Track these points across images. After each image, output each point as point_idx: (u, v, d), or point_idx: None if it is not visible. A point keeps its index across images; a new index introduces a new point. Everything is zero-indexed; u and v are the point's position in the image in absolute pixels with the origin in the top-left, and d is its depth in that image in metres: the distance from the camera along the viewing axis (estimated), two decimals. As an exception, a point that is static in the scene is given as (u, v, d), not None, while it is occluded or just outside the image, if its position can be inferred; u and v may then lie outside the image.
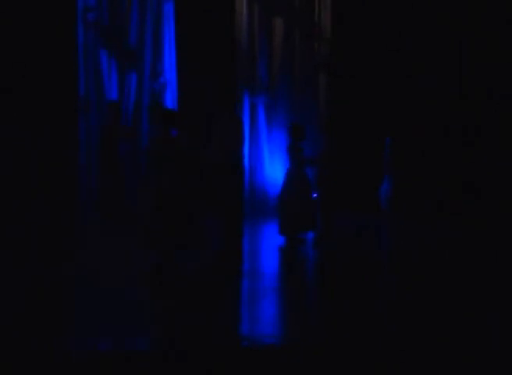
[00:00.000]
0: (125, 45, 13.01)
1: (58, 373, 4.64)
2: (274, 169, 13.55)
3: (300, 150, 10.41)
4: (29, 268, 8.67)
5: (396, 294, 7.32)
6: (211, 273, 8.01)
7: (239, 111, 13.13)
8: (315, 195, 10.44)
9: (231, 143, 8.57)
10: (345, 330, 5.67)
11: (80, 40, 12.72)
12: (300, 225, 10.22)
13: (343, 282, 7.74)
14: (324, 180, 10.66)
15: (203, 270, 8.10)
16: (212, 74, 13.10)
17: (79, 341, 5.39)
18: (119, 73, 13.02)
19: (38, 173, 11.94)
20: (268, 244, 10.41)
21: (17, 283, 7.72)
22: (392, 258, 9.60)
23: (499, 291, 7.26)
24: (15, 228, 11.41)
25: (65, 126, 12.26)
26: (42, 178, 11.82)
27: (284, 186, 10.42)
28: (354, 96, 13.73)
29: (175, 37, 13.27)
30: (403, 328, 5.82)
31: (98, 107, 12.77)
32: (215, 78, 13.03)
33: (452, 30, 13.71)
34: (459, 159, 13.60)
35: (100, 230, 11.37)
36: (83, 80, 12.75)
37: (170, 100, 13.18)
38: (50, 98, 12.12)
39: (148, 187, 8.46)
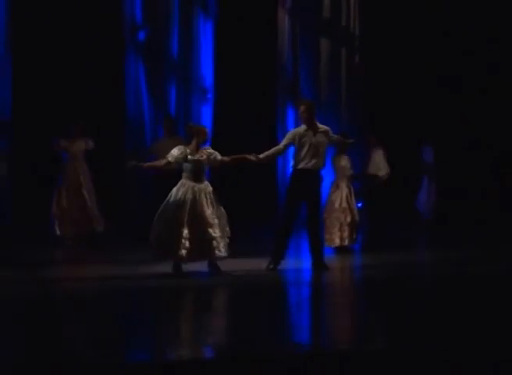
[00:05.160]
0: (172, 63, 12.92)
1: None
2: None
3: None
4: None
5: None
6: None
7: (282, 126, 12.97)
8: (359, 205, 10.31)
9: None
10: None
11: (128, 57, 12.61)
12: (340, 237, 10.05)
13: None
14: (370, 189, 10.61)
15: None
16: (255, 91, 13.16)
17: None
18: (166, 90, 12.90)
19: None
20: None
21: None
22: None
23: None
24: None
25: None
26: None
27: (328, 197, 10.24)
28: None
29: (217, 54, 13.18)
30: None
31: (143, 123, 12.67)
32: (257, 94, 13.11)
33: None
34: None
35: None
36: (131, 96, 12.63)
37: (211, 116, 13.09)
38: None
39: None
